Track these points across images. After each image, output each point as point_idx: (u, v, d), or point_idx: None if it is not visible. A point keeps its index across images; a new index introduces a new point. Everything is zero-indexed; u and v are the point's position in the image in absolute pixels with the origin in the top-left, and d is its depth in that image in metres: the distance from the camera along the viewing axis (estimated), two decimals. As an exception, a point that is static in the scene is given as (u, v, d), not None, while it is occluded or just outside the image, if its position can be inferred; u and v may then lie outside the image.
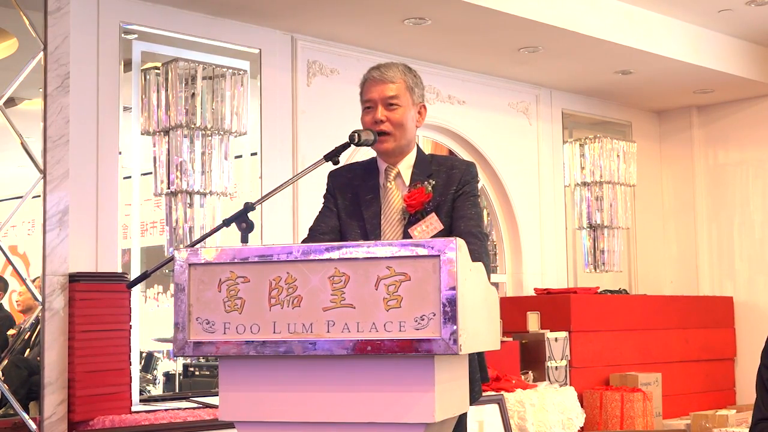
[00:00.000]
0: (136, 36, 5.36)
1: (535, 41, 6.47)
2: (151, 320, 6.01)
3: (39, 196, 4.67)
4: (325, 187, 3.11)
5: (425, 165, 3.03)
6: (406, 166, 3.02)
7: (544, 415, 6.15)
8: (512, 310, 6.79)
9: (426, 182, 2.95)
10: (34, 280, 4.83)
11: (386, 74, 2.97)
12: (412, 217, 2.93)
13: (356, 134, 2.94)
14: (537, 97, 7.68)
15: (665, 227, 8.65)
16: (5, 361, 4.81)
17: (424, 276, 2.20)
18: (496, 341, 2.52)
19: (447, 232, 2.94)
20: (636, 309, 7.39)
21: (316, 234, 3.01)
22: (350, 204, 3.01)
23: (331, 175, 3.10)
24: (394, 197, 2.99)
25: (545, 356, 6.63)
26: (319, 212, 3.07)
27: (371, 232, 2.95)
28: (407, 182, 2.99)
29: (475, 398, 2.88)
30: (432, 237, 2.90)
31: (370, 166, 3.08)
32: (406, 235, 2.92)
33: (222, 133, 5.40)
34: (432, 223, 2.94)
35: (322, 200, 3.10)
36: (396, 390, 2.23)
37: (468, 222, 2.96)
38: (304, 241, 2.88)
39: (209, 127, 5.33)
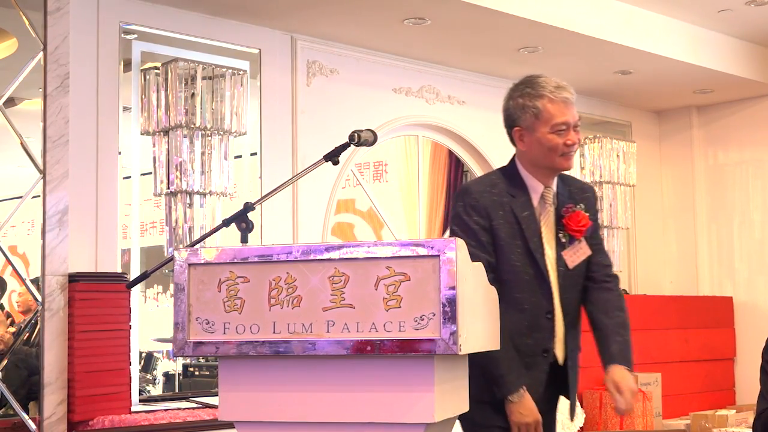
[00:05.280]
0: (136, 36, 5.36)
1: (535, 41, 6.47)
2: (150, 320, 6.02)
3: (39, 196, 4.66)
4: (467, 206, 2.94)
5: (563, 186, 3.06)
6: (553, 188, 3.04)
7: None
8: (512, 310, 6.78)
9: (578, 207, 2.99)
10: (33, 281, 4.83)
11: (573, 96, 2.96)
12: (562, 239, 2.97)
13: (356, 134, 2.94)
14: (537, 97, 7.67)
15: (665, 227, 8.65)
16: (5, 361, 4.81)
17: (423, 276, 2.20)
18: (496, 341, 2.52)
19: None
20: (636, 309, 7.38)
21: (487, 269, 2.72)
22: (505, 223, 2.93)
23: (477, 192, 2.95)
24: (552, 219, 2.99)
25: (545, 356, 6.63)
26: (476, 241, 2.88)
27: (535, 251, 2.93)
28: (555, 204, 3.01)
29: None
30: (580, 263, 3.01)
31: (514, 181, 3.00)
32: (559, 256, 2.96)
33: (222, 133, 5.40)
34: (582, 248, 3.00)
35: (468, 223, 2.92)
36: (396, 390, 2.23)
37: (605, 257, 3.12)
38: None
39: (209, 127, 5.33)
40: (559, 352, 3.04)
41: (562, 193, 3.02)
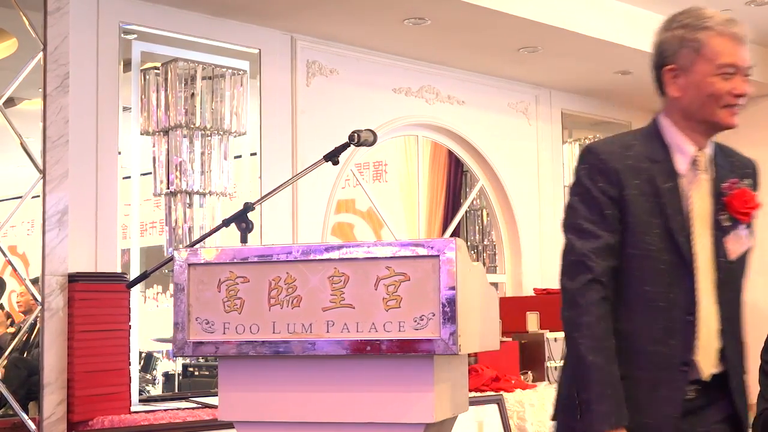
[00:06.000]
0: (135, 36, 5.35)
1: (535, 41, 6.47)
2: (150, 320, 6.01)
3: (38, 196, 4.66)
4: (592, 169, 2.25)
5: (723, 155, 2.36)
6: (708, 152, 2.33)
7: (544, 415, 6.14)
8: (512, 310, 6.78)
9: (743, 182, 2.31)
10: (33, 281, 4.83)
11: (746, 35, 2.34)
12: (725, 222, 2.29)
13: (356, 134, 2.93)
14: (536, 98, 7.68)
15: (665, 227, 8.64)
16: (5, 361, 4.81)
17: (423, 276, 2.20)
18: (495, 341, 2.52)
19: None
20: (636, 309, 7.38)
21: (605, 253, 2.26)
22: (641, 194, 2.23)
23: (606, 153, 2.26)
24: (707, 193, 2.28)
25: (545, 356, 6.63)
26: (598, 214, 2.24)
27: (678, 232, 2.23)
28: (711, 174, 2.30)
29: None
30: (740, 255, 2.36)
31: (655, 142, 2.30)
32: (718, 243, 2.29)
33: (221, 133, 5.40)
34: (745, 236, 2.33)
35: (591, 190, 2.24)
36: (395, 390, 2.23)
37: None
38: (579, 266, 2.34)
39: (209, 127, 5.33)
40: (706, 363, 2.34)
41: (722, 165, 2.33)
